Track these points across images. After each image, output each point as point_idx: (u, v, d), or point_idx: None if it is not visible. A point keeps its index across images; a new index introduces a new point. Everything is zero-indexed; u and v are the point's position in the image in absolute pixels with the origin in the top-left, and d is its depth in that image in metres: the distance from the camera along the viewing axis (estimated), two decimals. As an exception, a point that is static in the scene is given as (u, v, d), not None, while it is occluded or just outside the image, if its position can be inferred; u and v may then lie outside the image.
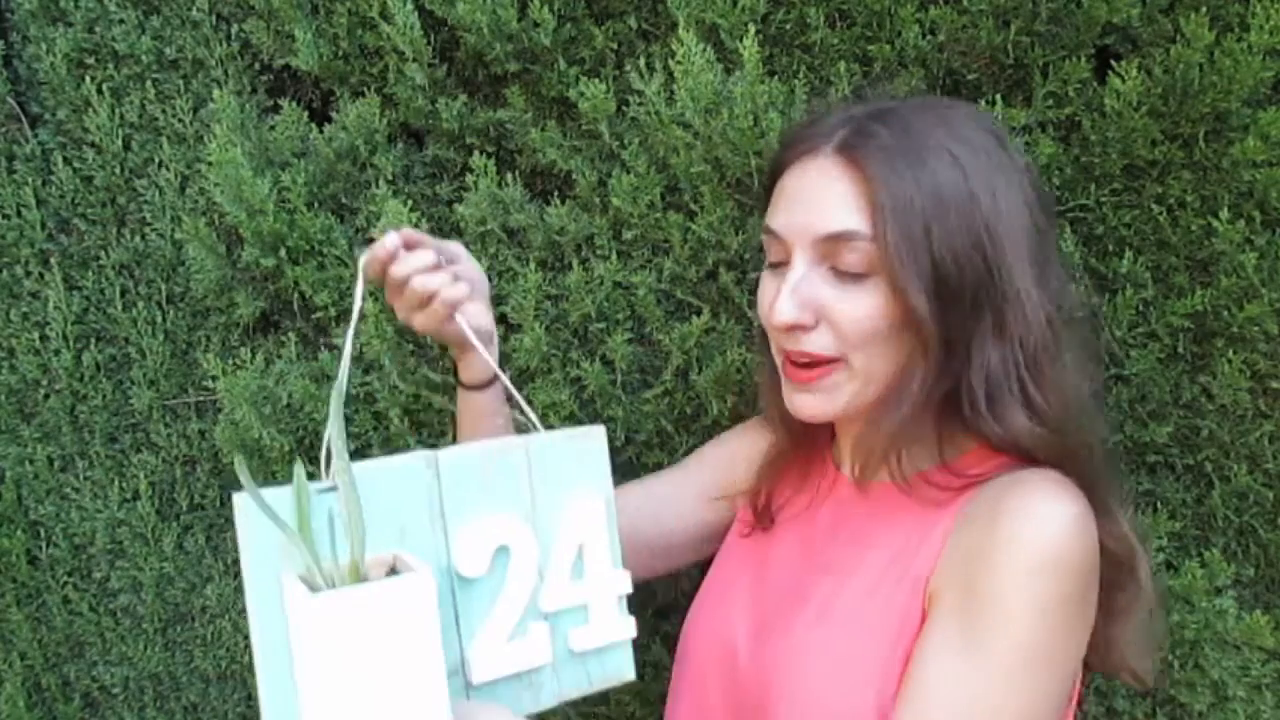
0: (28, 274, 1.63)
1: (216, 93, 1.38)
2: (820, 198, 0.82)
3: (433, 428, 1.33)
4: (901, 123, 0.81)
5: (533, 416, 0.83)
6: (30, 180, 1.60)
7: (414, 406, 1.33)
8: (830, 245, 0.81)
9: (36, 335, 1.64)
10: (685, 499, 1.05)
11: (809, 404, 0.85)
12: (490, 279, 1.30)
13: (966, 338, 0.80)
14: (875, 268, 0.79)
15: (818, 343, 0.82)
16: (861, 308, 0.80)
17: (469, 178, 1.30)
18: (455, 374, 1.00)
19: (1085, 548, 0.76)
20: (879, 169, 0.79)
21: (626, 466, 1.31)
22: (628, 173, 1.22)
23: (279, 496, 0.69)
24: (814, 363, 0.83)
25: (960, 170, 0.79)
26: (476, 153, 1.30)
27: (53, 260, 1.62)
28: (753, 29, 1.13)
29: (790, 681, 0.82)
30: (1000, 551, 0.75)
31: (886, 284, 0.79)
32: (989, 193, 0.79)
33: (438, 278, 0.88)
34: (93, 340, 1.63)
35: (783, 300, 0.82)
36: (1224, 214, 1.10)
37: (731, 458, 1.04)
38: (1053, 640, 0.75)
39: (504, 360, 1.17)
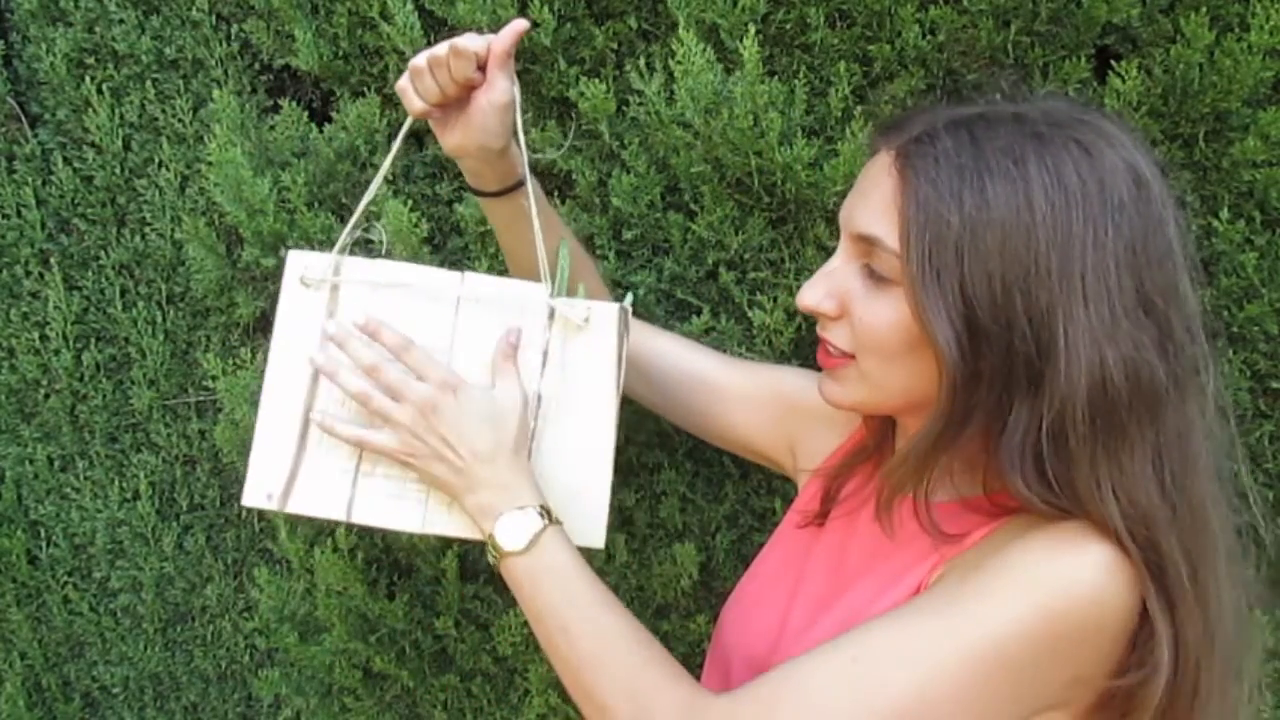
0: (28, 274, 1.63)
1: (216, 93, 1.38)
2: (866, 195, 0.79)
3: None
4: (980, 136, 0.75)
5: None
6: (30, 180, 1.60)
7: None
8: (862, 245, 0.79)
9: (36, 335, 1.64)
10: (739, 412, 1.06)
11: (830, 390, 0.84)
12: (490, 279, 1.31)
13: (1000, 382, 0.73)
14: (900, 279, 0.76)
15: (836, 334, 0.81)
16: (879, 314, 0.78)
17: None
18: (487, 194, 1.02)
19: (1110, 594, 0.71)
20: (919, 181, 0.74)
21: (627, 467, 1.31)
22: (628, 173, 1.22)
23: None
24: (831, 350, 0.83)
25: (1027, 201, 0.71)
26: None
27: (53, 260, 1.62)
28: (753, 29, 1.13)
29: None
30: (1020, 553, 0.72)
31: (909, 300, 0.75)
32: (1060, 232, 0.71)
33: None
34: (93, 340, 1.63)
35: (811, 283, 0.82)
36: (1224, 214, 1.10)
37: (797, 404, 1.03)
38: (1019, 657, 0.70)
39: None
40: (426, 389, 0.87)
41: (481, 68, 0.91)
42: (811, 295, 0.81)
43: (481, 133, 0.93)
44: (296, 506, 0.93)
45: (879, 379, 0.80)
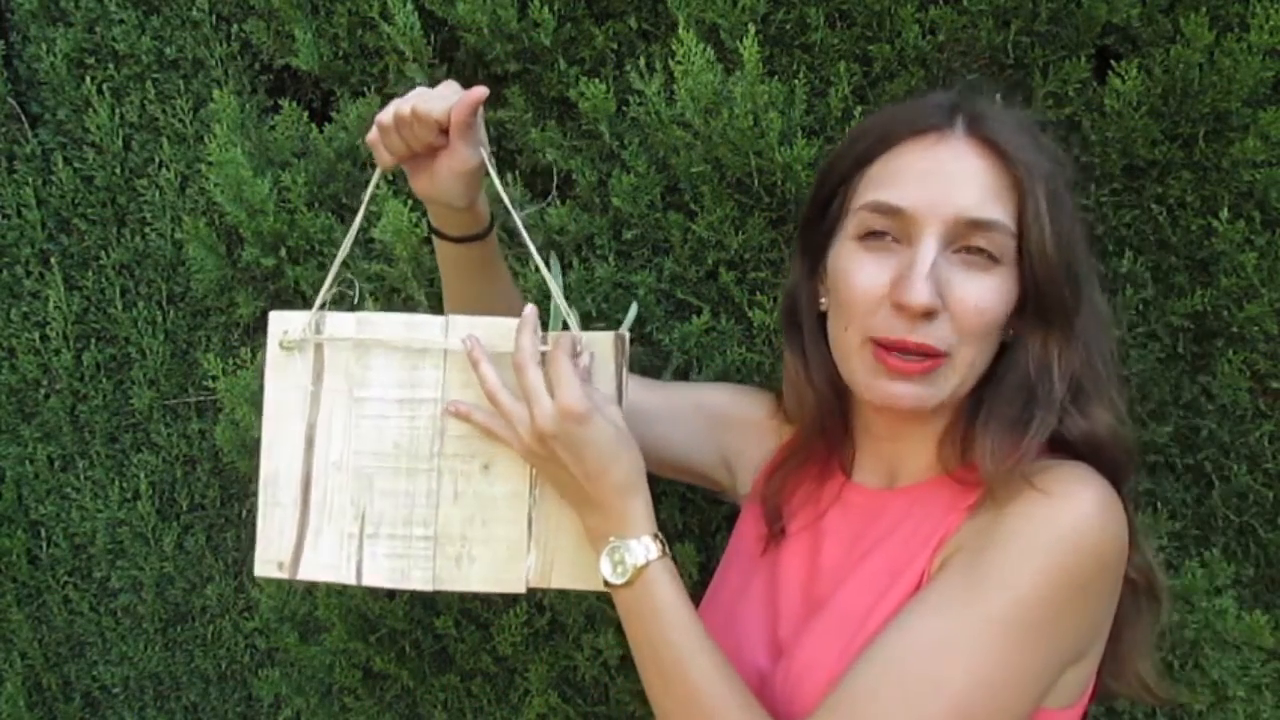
0: (28, 274, 1.63)
1: (216, 93, 1.38)
2: (961, 180, 0.78)
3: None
4: (1005, 110, 0.84)
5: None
6: (30, 180, 1.60)
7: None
8: (968, 229, 0.78)
9: (36, 335, 1.64)
10: (670, 432, 1.03)
11: (910, 393, 0.80)
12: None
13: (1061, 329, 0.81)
14: (1007, 257, 0.78)
15: (935, 334, 0.78)
16: (987, 296, 0.78)
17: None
18: (457, 239, 1.00)
19: (1108, 535, 0.75)
20: (1022, 154, 0.78)
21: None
22: (628, 173, 1.22)
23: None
24: (923, 355, 0.79)
25: (1056, 161, 0.81)
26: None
27: (53, 260, 1.62)
28: (753, 29, 1.13)
29: (821, 689, 0.81)
30: (1019, 519, 0.74)
31: (1016, 274, 0.78)
32: (1067, 170, 0.83)
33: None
34: (93, 340, 1.63)
35: (914, 282, 0.76)
36: (1224, 214, 1.10)
37: (726, 416, 1.04)
38: (1047, 616, 0.73)
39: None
40: (548, 408, 0.81)
41: (446, 131, 0.88)
42: (928, 292, 0.76)
43: (445, 193, 0.92)
44: (307, 574, 0.90)
45: (970, 365, 0.80)
